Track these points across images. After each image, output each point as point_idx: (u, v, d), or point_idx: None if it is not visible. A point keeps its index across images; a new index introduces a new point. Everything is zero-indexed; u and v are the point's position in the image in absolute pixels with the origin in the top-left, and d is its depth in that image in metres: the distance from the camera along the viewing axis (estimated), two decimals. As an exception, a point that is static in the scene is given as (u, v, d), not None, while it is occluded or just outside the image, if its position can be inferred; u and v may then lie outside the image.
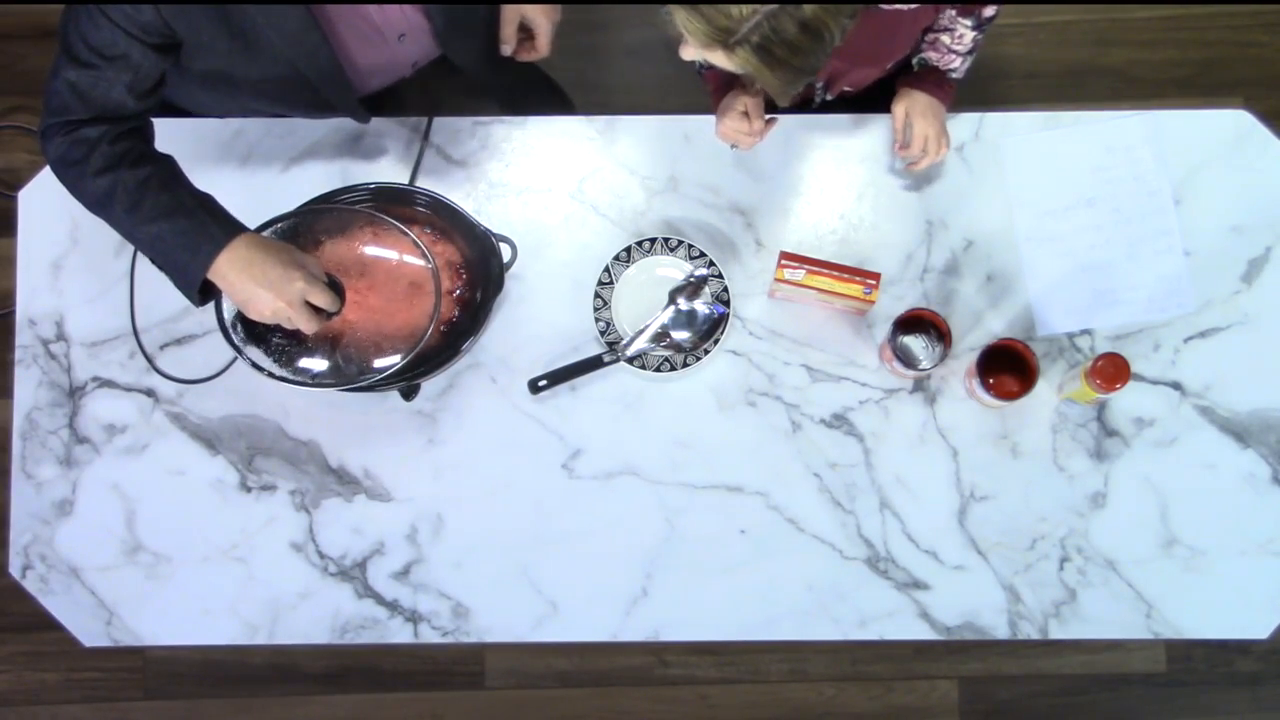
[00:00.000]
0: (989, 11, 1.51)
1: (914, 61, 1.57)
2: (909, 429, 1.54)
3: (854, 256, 1.57)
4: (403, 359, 1.42)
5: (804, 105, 1.66)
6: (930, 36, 1.54)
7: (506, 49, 1.58)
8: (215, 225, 1.33)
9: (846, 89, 1.60)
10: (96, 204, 1.34)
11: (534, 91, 2.14)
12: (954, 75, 1.56)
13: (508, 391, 1.56)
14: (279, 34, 1.34)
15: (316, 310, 1.36)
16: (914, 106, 1.53)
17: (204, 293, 1.36)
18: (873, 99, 1.64)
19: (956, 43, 1.52)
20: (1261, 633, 1.51)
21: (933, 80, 1.54)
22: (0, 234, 1.89)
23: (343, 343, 1.50)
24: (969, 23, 1.51)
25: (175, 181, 1.36)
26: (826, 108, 1.65)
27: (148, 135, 1.39)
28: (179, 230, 1.32)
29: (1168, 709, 2.24)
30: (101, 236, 1.60)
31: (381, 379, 1.43)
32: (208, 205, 1.35)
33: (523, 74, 2.07)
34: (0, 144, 2.42)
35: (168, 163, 1.37)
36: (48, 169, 1.60)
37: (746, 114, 1.47)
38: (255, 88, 1.45)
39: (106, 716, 2.27)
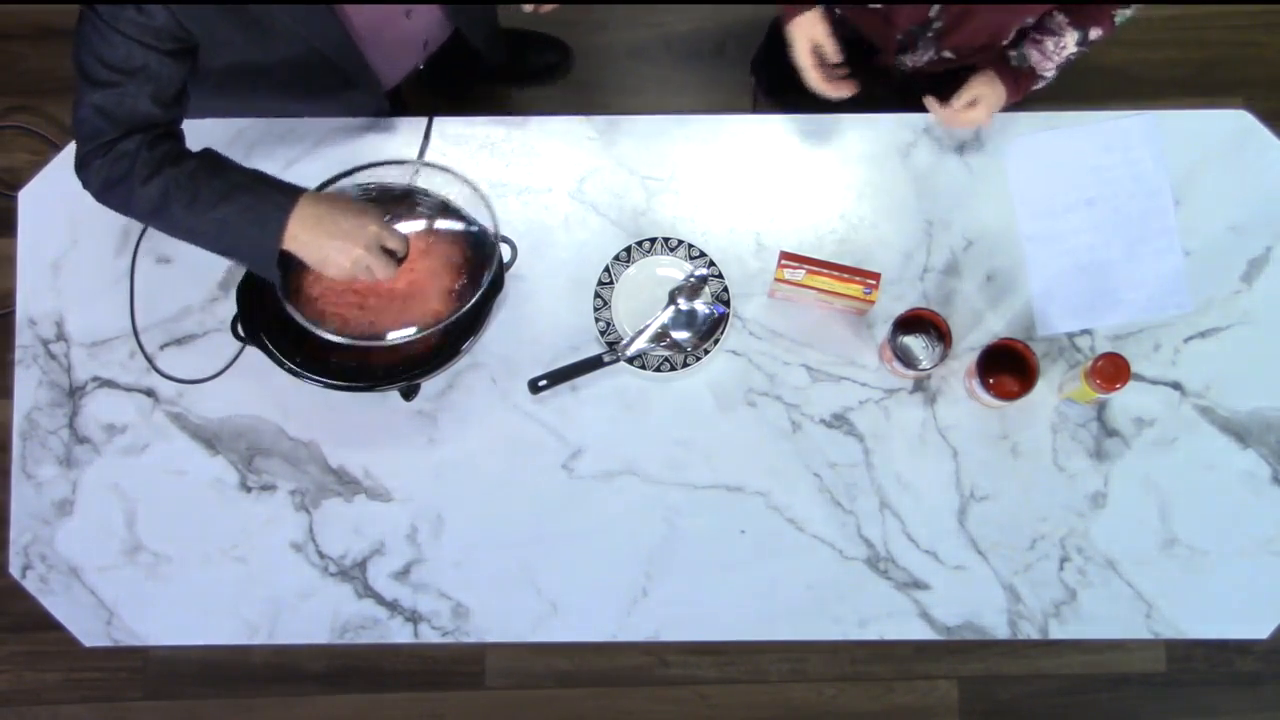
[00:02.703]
0: (1095, 34, 1.51)
1: (1013, 56, 1.55)
2: (909, 429, 1.54)
3: (854, 256, 1.57)
4: (442, 321, 1.42)
5: (881, 74, 1.67)
6: (1036, 36, 1.53)
7: (527, 7, 1.59)
8: (276, 193, 1.32)
9: (947, 53, 1.59)
10: (153, 212, 1.33)
11: (536, 50, 2.24)
12: (1041, 82, 1.55)
13: (508, 391, 1.56)
14: (290, 13, 1.34)
15: (389, 255, 1.35)
16: (988, 96, 1.52)
17: (282, 267, 1.34)
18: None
19: (1057, 51, 1.52)
20: (1261, 633, 1.51)
21: (1022, 83, 1.54)
22: (0, 234, 1.89)
23: (344, 340, 1.51)
24: (1076, 36, 1.51)
25: (223, 165, 1.34)
26: (904, 96, 1.64)
27: (181, 136, 1.38)
28: (243, 207, 1.30)
29: (1168, 709, 2.24)
30: (101, 236, 1.60)
31: (382, 379, 1.44)
32: (262, 177, 1.34)
33: (525, 41, 2.17)
34: (0, 144, 2.42)
35: (209, 152, 1.36)
36: (48, 170, 1.61)
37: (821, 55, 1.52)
38: (274, 78, 1.45)
39: (106, 716, 2.27)
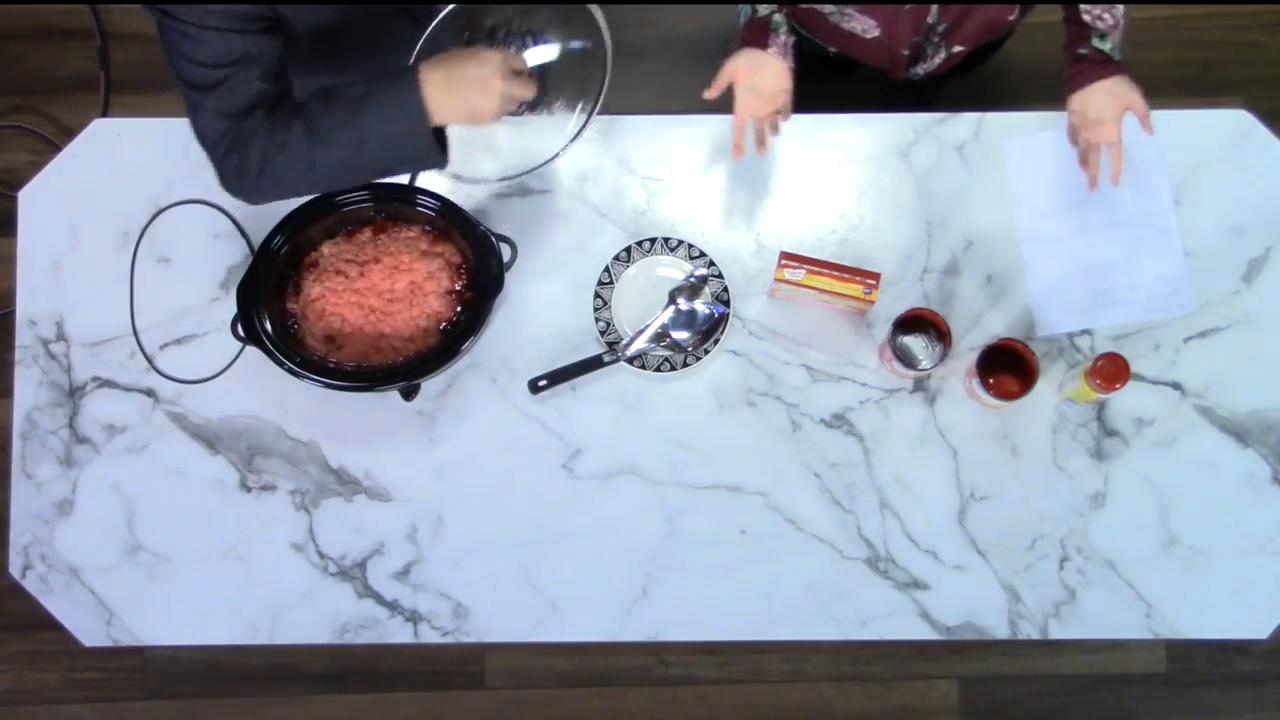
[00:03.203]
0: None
1: (1095, 44, 1.47)
2: (909, 429, 1.54)
3: (854, 256, 1.57)
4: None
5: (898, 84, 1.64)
6: (1104, 17, 1.47)
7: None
8: (395, 83, 1.29)
9: (957, 48, 1.57)
10: (307, 171, 1.30)
11: None
12: (1115, 48, 1.47)
13: (508, 391, 1.56)
14: None
15: (520, 76, 1.33)
16: (1088, 103, 1.45)
17: (440, 145, 1.32)
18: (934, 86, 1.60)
19: (1117, 20, 1.46)
20: (1261, 633, 1.51)
21: (1099, 64, 1.46)
22: (0, 234, 1.89)
23: (343, 342, 1.51)
24: (1122, 9, 1.46)
25: (332, 92, 1.32)
26: (919, 97, 1.61)
27: (287, 94, 1.36)
28: (376, 113, 1.28)
29: (1168, 709, 2.24)
30: (101, 236, 1.60)
31: (382, 379, 1.44)
32: (372, 81, 1.31)
33: None
34: (0, 144, 2.43)
35: (317, 92, 1.33)
36: (48, 170, 1.61)
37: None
38: (351, 35, 1.43)
39: (106, 716, 2.27)
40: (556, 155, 1.41)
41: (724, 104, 1.55)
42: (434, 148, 1.31)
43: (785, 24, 1.48)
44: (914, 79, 1.68)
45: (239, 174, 1.31)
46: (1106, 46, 1.45)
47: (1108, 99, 1.45)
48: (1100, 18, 1.46)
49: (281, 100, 1.33)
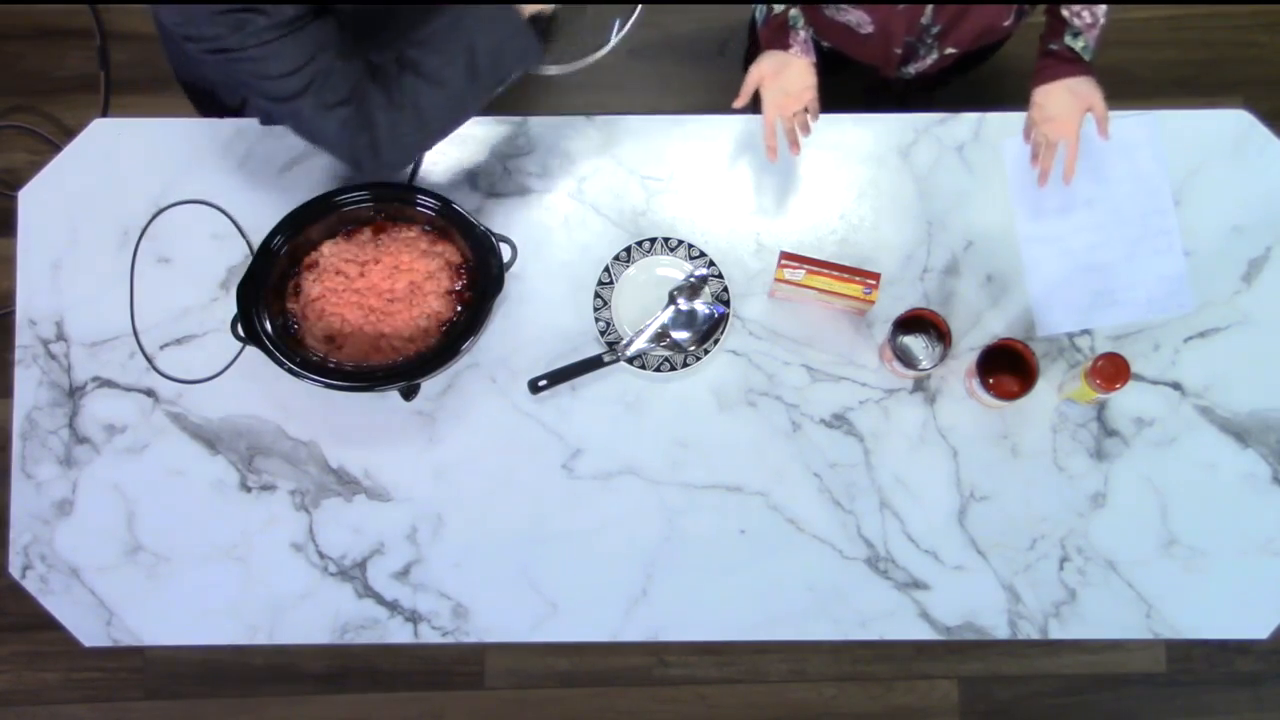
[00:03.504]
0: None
1: (1066, 41, 1.47)
2: (909, 429, 1.54)
3: (854, 256, 1.57)
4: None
5: (888, 89, 1.64)
6: (1084, 16, 1.47)
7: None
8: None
9: (950, 50, 1.58)
10: (439, 117, 1.33)
11: None
12: (1087, 48, 1.47)
13: (508, 391, 1.56)
14: None
15: None
16: (1050, 98, 1.46)
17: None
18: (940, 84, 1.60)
19: (1095, 20, 1.47)
20: (1261, 633, 1.51)
21: (1067, 62, 1.46)
22: (0, 234, 1.89)
23: (343, 342, 1.51)
24: (1104, 8, 1.46)
25: (419, 34, 1.33)
26: (907, 97, 1.61)
27: (370, 62, 1.37)
28: (474, 26, 1.30)
29: (1168, 709, 2.24)
30: (101, 236, 1.60)
31: (382, 379, 1.44)
32: (450, 9, 1.33)
33: None
34: (0, 144, 2.43)
35: (402, 42, 1.35)
36: (48, 170, 1.62)
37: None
38: (394, 6, 1.44)
39: (106, 716, 2.27)
40: (621, 32, 1.43)
41: (724, 104, 1.55)
42: (535, 38, 1.33)
43: (802, 18, 1.48)
44: (905, 78, 1.68)
45: (374, 152, 1.32)
46: (1079, 45, 1.46)
47: (1069, 97, 1.46)
48: (1079, 14, 1.46)
49: (370, 69, 1.33)
